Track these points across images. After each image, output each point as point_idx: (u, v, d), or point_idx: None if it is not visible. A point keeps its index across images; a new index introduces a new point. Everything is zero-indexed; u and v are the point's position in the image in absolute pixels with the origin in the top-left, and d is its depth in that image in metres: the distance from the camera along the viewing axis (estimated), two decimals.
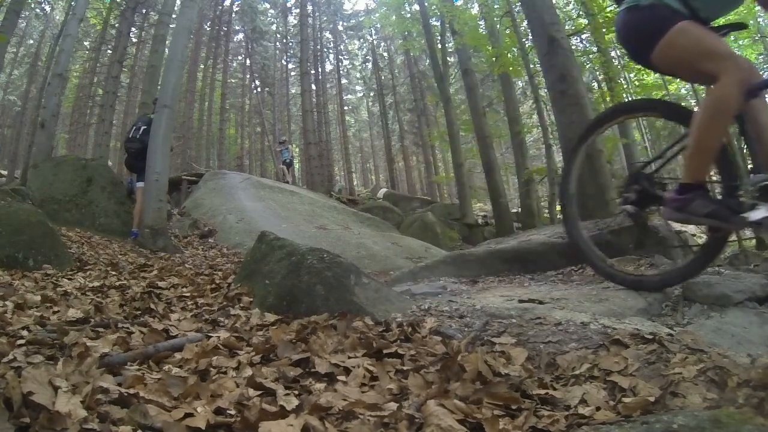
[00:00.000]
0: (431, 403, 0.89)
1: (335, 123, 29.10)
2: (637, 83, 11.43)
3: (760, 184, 1.46)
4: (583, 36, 11.65)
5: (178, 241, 6.01)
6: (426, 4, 12.39)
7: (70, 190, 5.77)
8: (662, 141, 18.80)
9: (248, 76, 27.75)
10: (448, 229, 10.40)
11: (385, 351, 1.23)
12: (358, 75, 30.43)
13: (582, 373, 1.12)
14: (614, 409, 0.94)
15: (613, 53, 11.52)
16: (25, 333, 1.25)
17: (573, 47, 7.95)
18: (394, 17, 15.48)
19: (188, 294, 2.23)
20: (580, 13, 10.18)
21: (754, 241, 6.63)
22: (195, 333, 1.43)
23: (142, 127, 5.55)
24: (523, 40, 9.85)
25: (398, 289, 2.26)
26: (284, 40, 28.82)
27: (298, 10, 25.91)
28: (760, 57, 13.47)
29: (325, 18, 28.12)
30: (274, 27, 28.89)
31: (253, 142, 29.60)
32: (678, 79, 7.18)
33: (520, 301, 1.69)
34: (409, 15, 15.22)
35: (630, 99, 9.50)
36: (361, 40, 29.19)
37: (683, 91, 14.80)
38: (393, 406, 0.91)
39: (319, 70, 26.91)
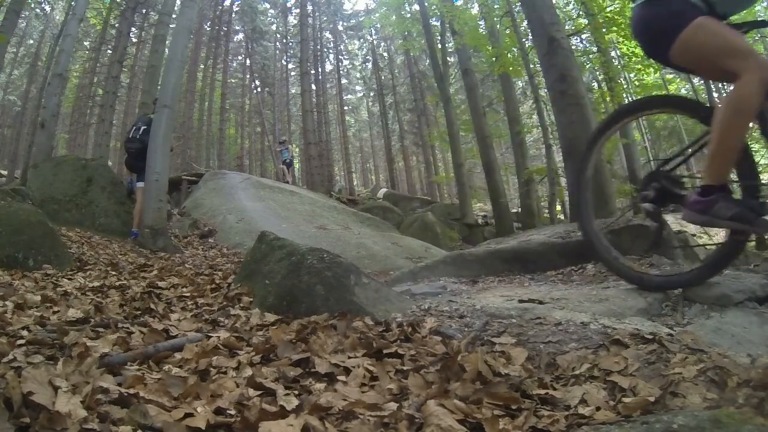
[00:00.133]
0: (431, 403, 0.89)
1: (335, 123, 29.10)
2: (637, 83, 11.43)
3: None
4: (583, 36, 11.66)
5: (178, 241, 6.01)
6: (426, 4, 12.38)
7: (70, 190, 5.77)
8: (662, 141, 18.81)
9: (248, 76, 27.74)
10: (448, 229, 10.40)
11: (385, 351, 1.23)
12: (358, 75, 30.43)
13: (582, 373, 1.12)
14: (614, 409, 0.94)
15: (613, 53, 11.52)
16: (25, 333, 1.25)
17: (573, 47, 7.95)
18: (394, 17, 15.46)
19: (188, 294, 2.23)
20: (580, 13, 10.18)
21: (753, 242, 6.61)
22: (195, 333, 1.43)
23: (142, 127, 5.55)
24: (523, 40, 9.85)
25: (398, 289, 2.26)
26: (284, 40, 28.82)
27: (298, 10, 25.92)
28: None
29: (325, 18, 28.12)
30: (274, 27, 28.90)
31: (253, 142, 29.59)
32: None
33: (520, 301, 1.69)
34: (409, 15, 15.22)
35: (636, 98, 9.49)
36: (361, 40, 29.20)
37: (683, 91, 14.80)
38: (393, 406, 0.91)
39: (319, 70, 26.92)
